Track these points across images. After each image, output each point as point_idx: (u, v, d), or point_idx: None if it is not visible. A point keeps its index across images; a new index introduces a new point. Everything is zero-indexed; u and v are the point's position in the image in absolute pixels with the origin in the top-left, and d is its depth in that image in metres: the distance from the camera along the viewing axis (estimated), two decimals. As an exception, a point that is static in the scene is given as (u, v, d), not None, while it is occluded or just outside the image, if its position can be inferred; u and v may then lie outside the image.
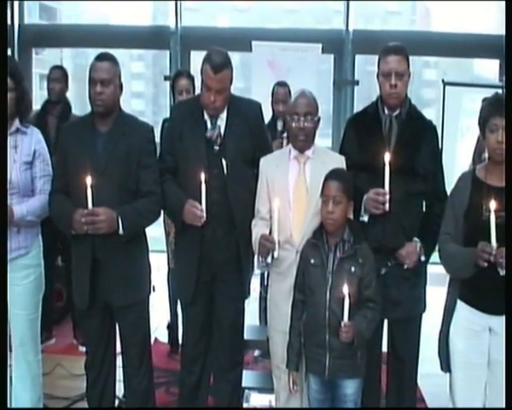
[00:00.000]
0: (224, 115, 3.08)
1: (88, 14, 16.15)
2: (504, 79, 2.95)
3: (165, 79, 6.29)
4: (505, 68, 2.91)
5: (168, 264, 4.45)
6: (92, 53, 8.58)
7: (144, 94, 17.89)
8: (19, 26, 6.55)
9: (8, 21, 6.96)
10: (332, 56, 6.19)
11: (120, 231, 2.89)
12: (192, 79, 4.40)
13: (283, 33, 6.70)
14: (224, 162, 3.04)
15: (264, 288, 4.09)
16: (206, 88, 2.98)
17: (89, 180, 2.76)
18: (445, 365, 2.80)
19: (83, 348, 4.36)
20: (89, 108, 3.05)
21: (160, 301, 4.45)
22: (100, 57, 2.99)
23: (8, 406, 3.09)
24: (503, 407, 2.62)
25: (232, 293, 3.14)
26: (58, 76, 4.60)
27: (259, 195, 3.02)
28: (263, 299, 4.25)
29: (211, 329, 3.20)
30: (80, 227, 2.84)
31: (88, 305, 3.00)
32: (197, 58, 6.54)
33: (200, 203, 2.93)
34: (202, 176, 2.90)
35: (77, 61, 11.35)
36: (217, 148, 3.06)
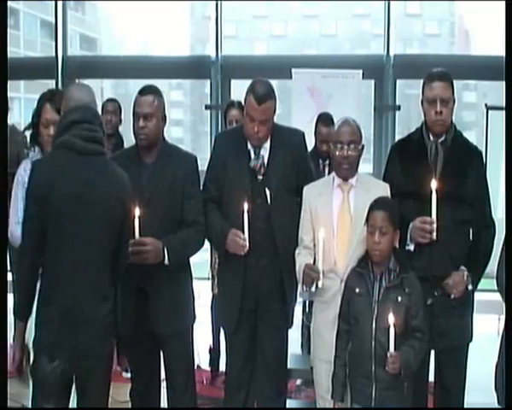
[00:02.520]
0: (267, 145, 3.11)
1: (128, 44, 16.53)
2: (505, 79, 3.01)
3: (206, 108, 6.37)
4: (505, 68, 2.96)
5: (212, 290, 4.47)
6: (132, 83, 8.76)
7: (183, 122, 18.20)
8: (62, 57, 6.71)
9: (53, 53, 7.17)
10: (372, 82, 6.18)
11: (166, 261, 2.92)
12: (243, 109, 4.44)
13: (323, 60, 6.73)
14: (267, 192, 3.06)
15: (306, 316, 4.07)
16: (250, 119, 3.01)
17: (136, 211, 2.80)
18: (503, 399, 2.61)
19: (127, 375, 4.43)
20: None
21: (201, 328, 4.47)
22: (143, 91, 3.03)
23: None
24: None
25: (276, 322, 3.14)
26: (113, 109, 4.69)
27: (303, 223, 3.02)
28: (305, 327, 4.22)
29: (255, 358, 3.19)
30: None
31: (133, 333, 3.02)
32: (237, 87, 6.61)
33: (244, 232, 2.95)
34: (245, 205, 2.93)
35: (117, 91, 11.60)
36: (260, 177, 3.08)
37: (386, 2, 6.33)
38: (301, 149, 3.20)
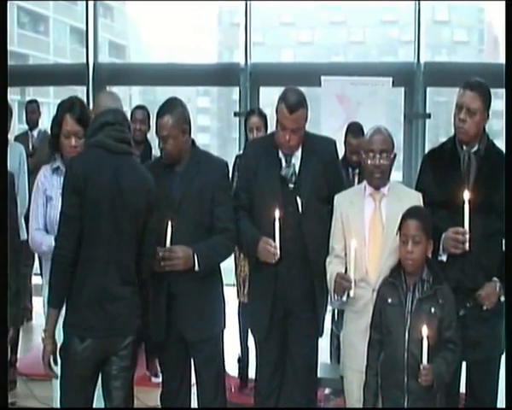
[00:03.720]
0: (298, 153, 3.11)
1: (155, 51, 16.70)
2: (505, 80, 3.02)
3: (235, 115, 6.39)
4: (505, 68, 2.99)
5: (238, 297, 4.48)
6: (160, 90, 8.82)
7: (210, 128, 18.31)
8: (94, 64, 6.79)
9: (82, 59, 7.26)
10: (402, 89, 6.14)
11: (196, 267, 2.94)
12: (264, 116, 4.46)
13: (352, 67, 6.72)
14: (298, 200, 3.06)
15: (335, 325, 4.05)
16: (282, 127, 3.02)
17: (169, 222, 2.83)
18: None
19: (156, 380, 4.47)
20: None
21: (228, 335, 4.48)
22: (159, 113, 3.03)
23: None
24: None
25: (306, 330, 3.13)
26: (141, 116, 4.72)
27: (334, 232, 3.01)
28: (334, 336, 4.21)
29: (284, 365, 3.19)
30: (158, 264, 2.90)
31: (164, 338, 3.04)
32: (266, 94, 6.63)
33: (275, 240, 2.95)
34: (277, 213, 2.93)
35: (145, 98, 11.71)
36: (291, 186, 3.08)
37: (417, 8, 6.29)
38: (333, 158, 3.20)
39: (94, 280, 2.62)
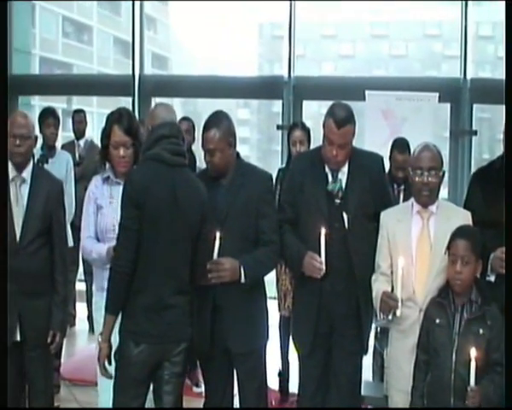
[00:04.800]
0: (345, 168, 3.09)
1: (197, 63, 16.85)
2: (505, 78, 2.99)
3: (278, 128, 6.39)
4: (505, 68, 2.94)
5: (279, 310, 4.47)
6: (200, 101, 8.82)
7: (249, 140, 18.37)
8: (139, 76, 6.88)
9: (125, 70, 7.36)
10: (448, 105, 6.06)
11: (242, 279, 2.94)
12: (307, 130, 4.46)
13: (397, 82, 6.64)
14: (344, 216, 3.04)
15: (379, 342, 4.00)
16: (329, 142, 3.01)
17: (217, 234, 2.85)
18: None
19: (197, 389, 4.49)
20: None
21: (269, 348, 4.46)
22: (205, 126, 3.03)
23: None
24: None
25: (351, 348, 3.10)
26: (186, 127, 4.74)
27: (380, 250, 2.99)
28: (377, 354, 4.16)
29: (328, 383, 3.16)
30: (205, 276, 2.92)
31: (208, 349, 3.06)
32: (306, 106, 6.62)
33: (320, 256, 2.94)
34: (323, 229, 2.92)
35: (186, 109, 11.81)
36: (338, 201, 3.06)
37: (463, 23, 6.21)
38: (380, 174, 3.17)
39: (150, 289, 2.71)
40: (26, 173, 3.23)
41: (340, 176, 3.09)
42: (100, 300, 3.20)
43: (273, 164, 6.63)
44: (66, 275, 3.29)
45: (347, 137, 3.01)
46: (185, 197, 2.75)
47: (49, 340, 3.22)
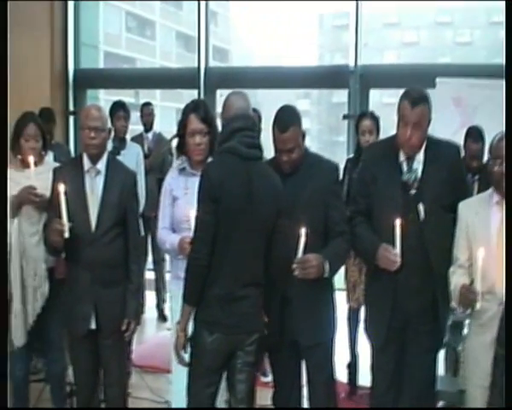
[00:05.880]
0: (420, 157, 3.01)
1: (257, 55, 16.85)
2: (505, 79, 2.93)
3: (344, 117, 6.31)
4: (505, 68, 2.88)
5: (348, 302, 4.43)
6: (261, 92, 8.81)
7: (310, 131, 18.29)
8: (205, 68, 6.93)
9: (190, 64, 7.42)
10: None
11: (326, 274, 2.91)
12: (376, 119, 4.39)
13: (467, 69, 6.45)
14: (420, 207, 2.96)
15: (452, 336, 3.90)
16: (403, 123, 2.93)
17: (303, 230, 2.80)
18: None
19: (264, 379, 4.50)
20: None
21: (337, 340, 4.42)
22: (282, 126, 2.94)
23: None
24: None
25: (426, 343, 3.02)
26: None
27: (458, 242, 2.90)
28: (451, 348, 4.06)
29: (402, 377, 3.10)
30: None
31: (276, 340, 3.05)
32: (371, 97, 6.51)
33: (395, 248, 2.88)
34: (397, 220, 2.85)
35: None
36: (413, 192, 2.98)
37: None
38: (457, 164, 3.07)
39: (224, 280, 2.74)
40: (101, 165, 3.29)
41: (415, 165, 3.00)
42: (175, 288, 3.25)
43: (334, 155, 6.55)
44: (139, 264, 3.35)
45: (422, 116, 2.91)
46: (260, 190, 2.75)
47: (123, 328, 3.27)
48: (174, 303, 3.28)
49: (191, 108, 3.20)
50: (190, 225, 2.91)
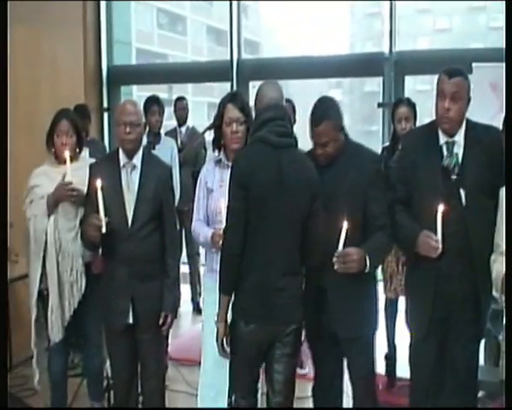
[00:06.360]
0: (461, 141, 2.95)
1: (288, 46, 16.75)
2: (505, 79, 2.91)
3: (379, 105, 6.21)
4: (505, 68, 2.89)
5: (384, 293, 4.36)
6: (292, 83, 8.70)
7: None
8: (237, 61, 6.91)
9: (221, 57, 7.40)
10: None
11: (367, 269, 2.85)
12: (413, 106, 4.31)
13: (501, 53, 6.28)
14: (461, 193, 2.89)
15: (493, 326, 3.82)
16: (441, 97, 2.89)
17: (344, 224, 2.76)
18: None
19: (300, 371, 4.47)
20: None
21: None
22: (316, 119, 2.90)
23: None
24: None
25: (468, 333, 2.96)
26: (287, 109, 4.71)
27: (500, 228, 2.81)
28: (492, 338, 3.98)
29: (443, 368, 3.04)
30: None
31: (315, 331, 3.03)
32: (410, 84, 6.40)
33: (436, 234, 2.81)
34: (439, 206, 2.79)
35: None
36: (454, 177, 2.91)
37: None
38: (498, 147, 2.97)
39: (258, 270, 2.75)
40: (137, 160, 3.29)
41: (455, 150, 2.94)
42: (209, 281, 3.25)
43: (368, 144, 6.47)
44: (176, 258, 3.35)
45: (460, 87, 2.86)
46: (292, 177, 2.74)
47: (160, 322, 3.28)
48: (207, 296, 3.28)
49: (228, 98, 3.21)
50: (222, 218, 2.92)
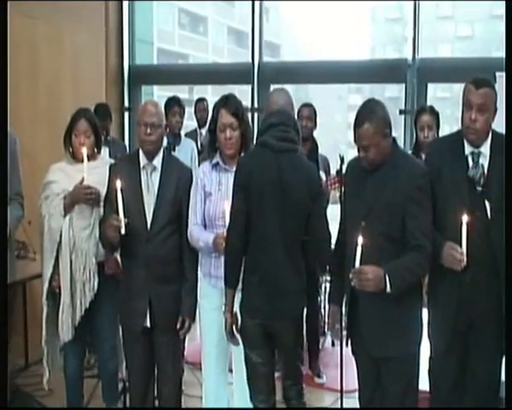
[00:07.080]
0: (487, 152, 2.89)
1: (308, 49, 16.72)
2: (505, 79, 2.89)
3: (401, 113, 6.13)
4: (505, 69, 2.88)
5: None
6: (311, 87, 8.64)
7: (361, 125, 18.05)
8: (259, 64, 6.87)
9: (241, 59, 7.37)
10: None
11: (388, 289, 2.66)
12: (436, 114, 4.25)
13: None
14: (487, 204, 2.83)
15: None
16: (468, 107, 2.83)
17: (360, 240, 2.63)
18: None
19: (318, 380, 4.44)
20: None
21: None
22: (358, 121, 2.77)
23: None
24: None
25: (491, 347, 2.89)
26: (308, 114, 4.67)
27: (525, 241, 2.76)
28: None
29: (464, 384, 2.97)
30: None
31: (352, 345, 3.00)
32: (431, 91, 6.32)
33: (461, 246, 2.75)
34: (464, 217, 2.72)
35: (297, 96, 11.76)
36: (479, 189, 2.85)
37: None
38: None
39: (260, 267, 2.91)
40: (157, 161, 3.27)
41: (481, 160, 2.88)
42: (206, 286, 3.24)
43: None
44: (194, 261, 3.31)
45: (486, 98, 2.80)
46: (291, 179, 2.86)
47: (178, 325, 3.25)
48: (204, 302, 3.28)
49: (221, 103, 3.17)
50: (225, 221, 2.96)
